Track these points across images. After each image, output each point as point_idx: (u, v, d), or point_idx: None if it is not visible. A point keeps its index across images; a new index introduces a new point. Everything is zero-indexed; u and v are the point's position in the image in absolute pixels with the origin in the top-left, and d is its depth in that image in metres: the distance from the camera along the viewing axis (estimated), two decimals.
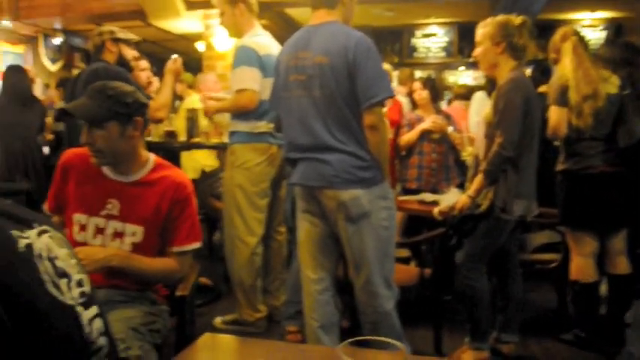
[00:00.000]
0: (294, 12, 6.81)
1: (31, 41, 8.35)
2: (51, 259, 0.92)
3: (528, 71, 3.34)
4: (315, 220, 2.22)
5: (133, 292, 1.73)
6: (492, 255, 2.58)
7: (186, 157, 4.18)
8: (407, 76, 5.12)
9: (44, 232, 0.95)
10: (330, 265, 2.26)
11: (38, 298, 0.85)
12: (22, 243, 0.87)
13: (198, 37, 7.10)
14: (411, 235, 3.45)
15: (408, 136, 3.76)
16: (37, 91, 5.96)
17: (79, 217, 1.74)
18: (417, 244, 3.08)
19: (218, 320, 3.14)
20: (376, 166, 2.08)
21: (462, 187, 3.18)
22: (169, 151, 3.59)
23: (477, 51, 2.56)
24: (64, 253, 0.97)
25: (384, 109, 2.14)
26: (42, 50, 8.34)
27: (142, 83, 3.39)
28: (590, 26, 7.39)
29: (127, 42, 3.05)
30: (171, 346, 1.74)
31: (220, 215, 3.49)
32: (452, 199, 2.62)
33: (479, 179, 2.44)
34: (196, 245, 1.79)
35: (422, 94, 3.86)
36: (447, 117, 3.90)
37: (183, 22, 6.92)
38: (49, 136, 4.75)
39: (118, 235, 1.72)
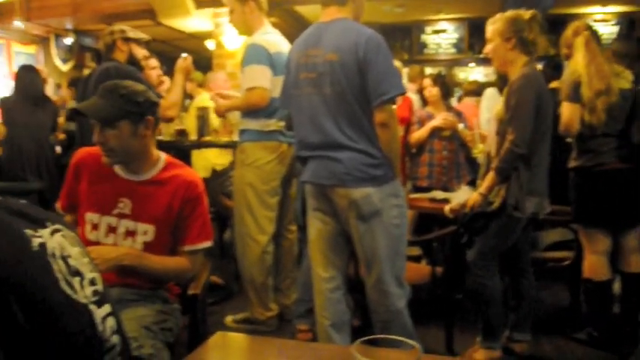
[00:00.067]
0: (303, 9, 6.81)
1: (42, 41, 8.41)
2: (64, 258, 0.93)
3: (539, 67, 3.30)
4: (326, 218, 2.21)
5: (145, 291, 1.74)
6: (504, 253, 2.56)
7: (197, 155, 4.20)
8: (417, 73, 5.09)
9: (57, 231, 0.95)
10: (341, 264, 2.26)
11: (52, 296, 0.85)
12: (36, 242, 0.88)
13: (208, 35, 7.12)
14: (422, 233, 3.44)
15: (418, 134, 3.75)
16: (49, 91, 6.00)
17: (91, 216, 1.75)
18: (428, 242, 3.07)
19: (229, 319, 3.15)
20: (387, 163, 2.07)
21: (473, 184, 3.16)
22: (180, 149, 3.60)
23: (488, 48, 2.54)
24: (77, 252, 0.98)
25: (394, 107, 2.13)
26: (53, 50, 8.40)
27: (152, 82, 3.41)
28: (602, 21, 7.31)
29: (137, 41, 3.06)
30: (184, 344, 1.74)
31: (231, 213, 3.50)
32: (463, 196, 2.61)
33: (490, 177, 2.42)
34: (208, 244, 1.80)
35: (432, 91, 3.84)
36: (458, 114, 3.88)
37: (193, 21, 6.94)
38: (61, 136, 4.78)
39: (130, 233, 1.73)
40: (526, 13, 2.44)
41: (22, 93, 4.41)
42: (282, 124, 2.86)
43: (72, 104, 5.05)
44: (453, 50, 8.21)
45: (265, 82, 2.83)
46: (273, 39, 2.96)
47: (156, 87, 3.44)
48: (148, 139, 1.75)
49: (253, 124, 2.94)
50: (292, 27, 6.28)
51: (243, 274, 3.10)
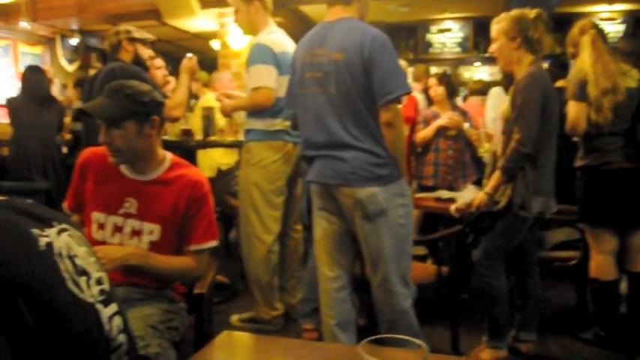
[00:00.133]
0: (308, 9, 6.81)
1: (48, 42, 8.45)
2: (71, 258, 0.93)
3: (545, 66, 3.30)
4: (331, 217, 2.21)
5: (151, 290, 1.74)
6: (510, 253, 2.56)
7: (202, 155, 4.20)
8: (422, 72, 5.08)
9: (64, 230, 0.96)
10: (346, 263, 2.26)
11: (59, 296, 0.86)
12: (43, 241, 0.88)
13: (213, 35, 7.13)
14: (427, 232, 3.43)
15: (423, 133, 3.74)
16: (55, 91, 6.03)
17: (97, 216, 1.76)
18: (433, 241, 3.06)
19: (235, 318, 3.15)
20: (393, 163, 2.07)
21: (478, 183, 3.15)
22: (186, 149, 3.61)
23: (493, 47, 2.53)
24: (83, 252, 0.98)
25: (400, 106, 2.12)
26: (59, 51, 8.43)
27: (158, 82, 3.41)
28: (608, 19, 7.27)
29: (142, 41, 3.07)
30: (190, 343, 1.75)
31: (236, 213, 3.51)
32: (468, 196, 2.60)
33: (496, 176, 2.42)
34: (213, 243, 1.80)
35: (437, 91, 3.83)
36: (463, 113, 3.87)
37: (198, 21, 6.95)
38: (67, 136, 4.81)
39: (136, 233, 1.74)
40: (531, 12, 2.43)
41: (29, 93, 4.43)
42: (288, 123, 2.86)
43: (78, 104, 5.07)
44: (458, 49, 8.19)
45: (271, 81, 2.83)
46: (278, 38, 2.97)
47: (161, 87, 3.45)
48: (153, 138, 1.76)
49: (259, 124, 2.94)
50: (297, 27, 6.28)
51: (248, 274, 3.11)
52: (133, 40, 3.03)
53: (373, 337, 0.81)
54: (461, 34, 8.13)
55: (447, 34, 8.19)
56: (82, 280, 0.93)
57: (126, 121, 1.68)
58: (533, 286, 2.66)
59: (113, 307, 0.98)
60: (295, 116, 2.33)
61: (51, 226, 0.93)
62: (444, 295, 2.78)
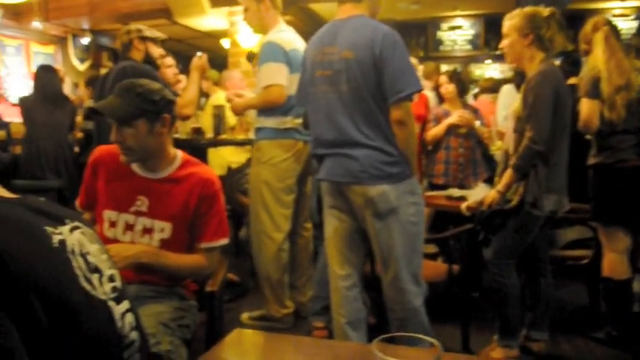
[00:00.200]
0: (318, 7, 6.80)
1: (60, 41, 8.52)
2: (83, 255, 0.93)
3: (557, 63, 3.27)
4: (342, 215, 2.21)
5: (162, 288, 1.75)
6: (522, 251, 2.54)
7: (212, 153, 4.22)
8: (432, 69, 5.06)
9: (76, 228, 0.96)
10: (357, 261, 2.25)
11: (72, 293, 0.86)
12: (56, 239, 0.88)
13: (223, 34, 7.15)
14: (437, 230, 3.42)
15: (434, 131, 3.73)
16: (66, 90, 6.07)
17: (109, 214, 1.77)
18: (444, 239, 3.05)
19: (245, 316, 3.16)
20: (404, 161, 2.06)
21: (489, 182, 3.14)
22: (196, 148, 3.62)
23: (504, 42, 2.51)
24: (96, 249, 0.99)
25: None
26: (71, 50, 8.50)
27: (168, 80, 3.43)
28: (621, 15, 7.20)
29: (153, 40, 3.09)
30: (201, 341, 1.75)
31: (247, 211, 3.51)
32: (480, 194, 2.59)
33: (508, 174, 2.40)
34: (224, 241, 1.80)
35: (448, 88, 3.82)
36: (475, 111, 3.85)
37: (209, 20, 6.97)
38: (79, 135, 4.84)
39: (147, 231, 1.74)
40: (545, 10, 2.41)
41: (41, 92, 4.47)
42: (299, 121, 2.86)
43: (89, 103, 5.10)
44: (468, 47, 8.14)
45: (282, 79, 2.83)
46: (289, 37, 2.96)
47: (172, 85, 3.46)
48: (164, 137, 1.76)
49: (269, 122, 2.94)
50: (307, 25, 6.28)
51: (259, 272, 3.11)
52: (144, 38, 3.04)
53: (386, 336, 0.81)
54: (472, 32, 8.08)
55: (458, 32, 8.15)
56: (95, 277, 0.93)
57: (137, 119, 1.69)
58: (545, 285, 2.64)
59: (125, 305, 0.99)
60: (306, 114, 2.33)
61: (63, 224, 0.94)
62: (455, 294, 2.77)
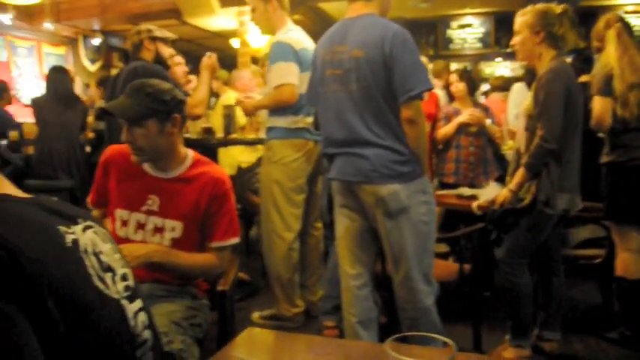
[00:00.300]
0: (327, 6, 6.80)
1: (71, 42, 8.58)
2: (96, 254, 0.94)
3: (569, 60, 3.24)
4: (353, 215, 2.21)
5: (174, 287, 1.76)
6: (534, 250, 2.52)
7: (223, 153, 4.23)
8: (442, 68, 5.03)
9: (89, 227, 0.97)
10: (368, 260, 2.25)
11: (86, 292, 0.86)
12: (69, 238, 0.89)
13: (232, 34, 7.17)
14: (448, 230, 3.41)
15: (445, 130, 3.71)
16: (77, 90, 6.12)
17: (121, 213, 1.78)
18: (455, 239, 3.04)
19: (256, 315, 3.16)
20: (415, 160, 2.05)
21: (501, 180, 3.12)
22: (207, 147, 3.63)
23: (515, 40, 2.50)
24: (108, 248, 0.99)
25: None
26: (82, 51, 8.56)
27: (178, 79, 3.44)
28: (634, 12, 7.13)
29: (164, 40, 3.10)
30: (213, 340, 1.76)
31: (257, 210, 3.52)
32: (491, 193, 2.57)
33: (520, 173, 2.38)
34: (235, 240, 1.81)
35: (459, 87, 3.80)
36: (485, 109, 3.83)
37: (218, 20, 7.00)
38: (91, 135, 4.87)
39: (158, 230, 1.75)
40: (557, 8, 2.39)
41: (53, 93, 4.50)
42: (310, 120, 2.86)
43: (100, 103, 5.13)
44: (479, 45, 8.11)
45: (293, 78, 2.83)
46: (297, 36, 2.97)
47: (182, 85, 3.48)
48: (175, 137, 1.77)
49: (281, 122, 2.94)
50: (316, 24, 6.28)
51: (269, 271, 3.12)
52: (154, 39, 3.05)
53: (399, 335, 0.81)
54: (482, 30, 8.04)
55: (468, 30, 8.11)
56: (108, 276, 0.94)
57: (147, 119, 1.70)
58: (558, 285, 2.62)
59: (138, 303, 0.99)
60: (316, 114, 2.33)
61: (76, 223, 0.94)
62: (466, 293, 2.76)
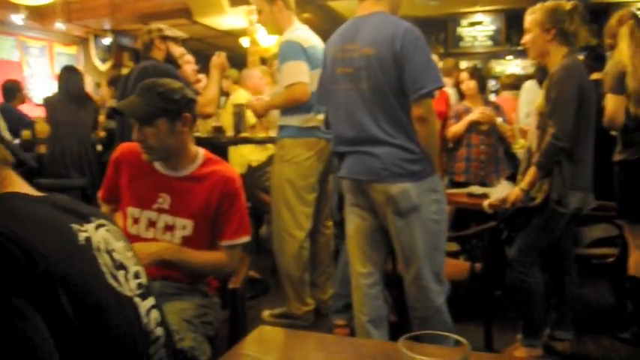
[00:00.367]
0: (337, 5, 6.78)
1: (82, 42, 8.63)
2: (109, 252, 0.94)
3: (581, 57, 3.21)
4: (363, 213, 2.20)
5: (185, 285, 1.76)
6: (546, 249, 2.50)
7: (233, 152, 4.23)
8: (452, 66, 5.01)
9: (101, 225, 0.97)
10: (379, 259, 2.24)
11: (99, 290, 0.87)
12: (82, 236, 0.89)
13: (242, 33, 7.18)
14: (459, 229, 3.39)
15: (455, 128, 3.69)
16: (88, 90, 6.16)
17: (132, 211, 1.79)
18: (466, 237, 3.02)
19: (266, 313, 3.17)
20: (425, 158, 2.04)
21: (512, 179, 3.10)
22: (217, 146, 3.64)
23: (526, 38, 2.48)
24: (121, 246, 1.00)
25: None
26: (92, 50, 8.61)
27: (189, 78, 3.45)
28: None
29: (174, 39, 3.11)
30: (223, 338, 1.76)
31: (267, 208, 3.52)
32: (502, 191, 2.56)
33: (532, 171, 2.37)
34: (246, 239, 1.81)
35: (469, 85, 3.78)
36: (496, 108, 3.81)
37: (228, 19, 7.01)
38: (102, 134, 4.91)
39: (169, 228, 1.76)
40: (567, 4, 2.37)
41: (65, 92, 4.54)
42: (321, 117, 2.86)
43: (111, 103, 5.17)
44: (489, 43, 8.04)
45: (304, 76, 2.83)
46: (305, 34, 2.97)
47: (193, 83, 3.49)
48: (185, 135, 1.78)
49: (293, 120, 2.95)
50: (326, 22, 6.27)
51: (280, 269, 3.12)
52: (165, 38, 3.06)
53: (412, 334, 0.80)
54: (492, 27, 7.98)
55: (478, 27, 8.05)
56: (121, 274, 0.94)
57: (158, 118, 1.70)
58: (570, 284, 2.60)
59: (150, 301, 1.00)
60: (327, 112, 2.33)
61: (89, 222, 0.95)
62: (478, 292, 2.74)
